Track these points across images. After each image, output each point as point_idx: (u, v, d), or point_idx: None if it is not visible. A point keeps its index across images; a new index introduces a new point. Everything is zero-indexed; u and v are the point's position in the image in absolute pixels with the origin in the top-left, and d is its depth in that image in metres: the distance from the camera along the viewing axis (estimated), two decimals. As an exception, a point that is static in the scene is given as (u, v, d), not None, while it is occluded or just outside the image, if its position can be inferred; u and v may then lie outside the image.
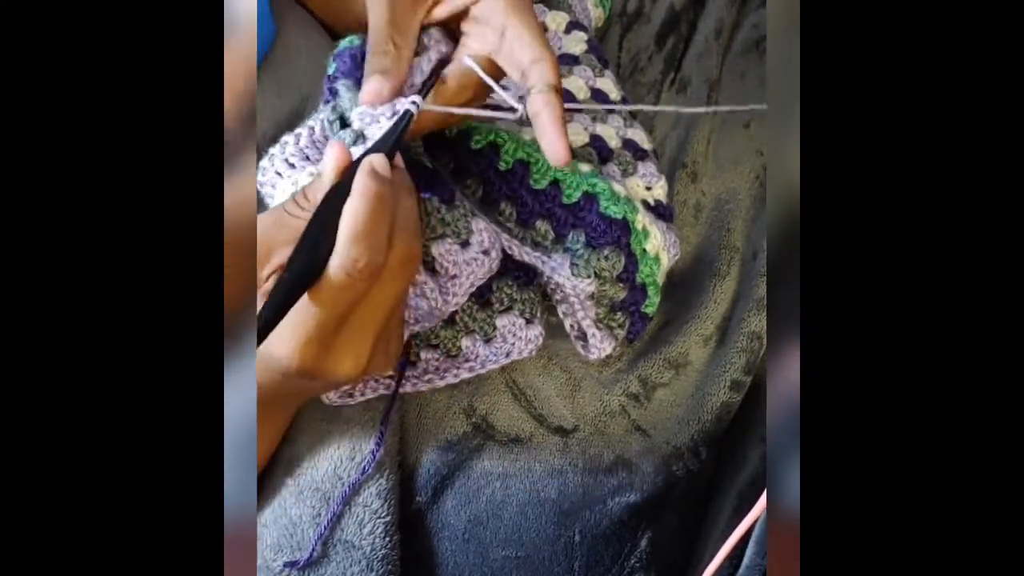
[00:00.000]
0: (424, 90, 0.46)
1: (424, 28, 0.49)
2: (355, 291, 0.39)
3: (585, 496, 0.52)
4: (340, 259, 0.38)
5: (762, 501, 0.41)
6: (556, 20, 0.65)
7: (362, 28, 0.52)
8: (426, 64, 0.48)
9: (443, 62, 0.49)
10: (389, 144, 0.43)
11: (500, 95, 0.47)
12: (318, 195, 0.40)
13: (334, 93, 0.49)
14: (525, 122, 0.48)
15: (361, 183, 0.38)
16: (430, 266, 0.47)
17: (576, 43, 0.64)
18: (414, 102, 0.45)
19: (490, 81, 0.47)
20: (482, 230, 0.47)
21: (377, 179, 0.39)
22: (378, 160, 0.40)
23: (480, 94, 0.48)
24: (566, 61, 0.62)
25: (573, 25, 0.65)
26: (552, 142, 0.45)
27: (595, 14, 0.70)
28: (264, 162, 0.49)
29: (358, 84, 0.48)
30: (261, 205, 0.50)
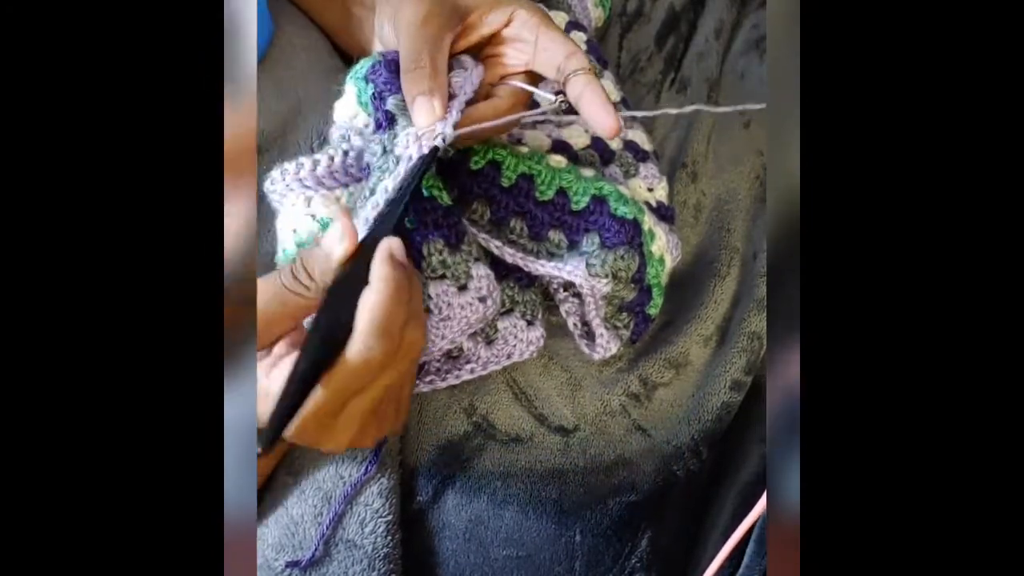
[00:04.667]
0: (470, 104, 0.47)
1: (455, 54, 0.50)
2: (366, 379, 0.38)
3: (586, 496, 0.52)
4: (359, 349, 0.37)
5: (762, 501, 0.41)
6: (555, 20, 0.65)
7: (365, 54, 0.52)
8: (470, 83, 0.48)
9: (481, 82, 0.50)
10: (414, 185, 0.43)
11: (543, 96, 0.49)
12: (321, 273, 0.39)
13: (390, 119, 0.48)
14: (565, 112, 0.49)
15: (382, 273, 0.38)
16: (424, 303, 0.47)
17: (575, 43, 0.64)
18: (441, 135, 0.45)
19: (538, 92, 0.49)
20: (482, 276, 0.47)
21: (398, 268, 0.38)
22: (396, 246, 0.39)
23: (523, 107, 0.50)
24: (565, 61, 0.62)
25: (572, 25, 0.65)
26: (600, 115, 0.46)
27: (595, 14, 0.70)
28: (275, 174, 0.49)
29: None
30: (268, 209, 0.50)
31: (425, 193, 0.46)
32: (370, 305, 0.37)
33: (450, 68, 0.49)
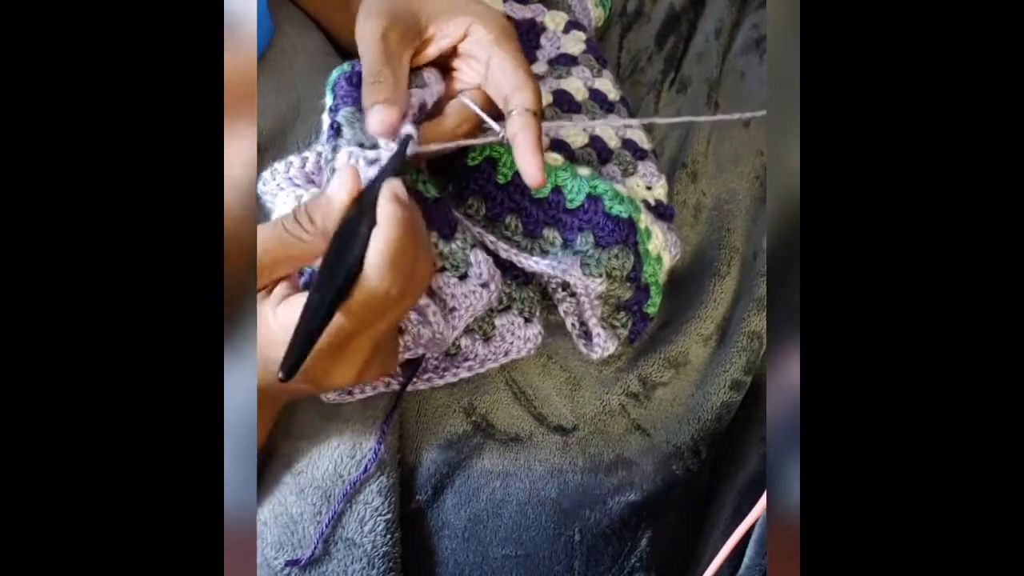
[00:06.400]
0: (422, 121, 0.47)
1: (419, 68, 0.49)
2: (380, 312, 0.40)
3: (585, 495, 0.52)
4: (374, 284, 0.39)
5: (762, 501, 0.41)
6: (555, 20, 0.65)
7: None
8: (429, 98, 0.48)
9: (441, 98, 0.49)
10: (393, 170, 0.43)
11: (491, 126, 0.48)
12: (322, 218, 0.41)
13: (336, 130, 0.48)
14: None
15: (390, 211, 0.39)
16: (432, 294, 0.47)
17: (574, 43, 0.64)
18: (412, 128, 0.45)
19: (484, 116, 0.48)
20: (480, 263, 0.47)
21: (403, 206, 0.40)
22: (399, 186, 0.41)
23: (476, 126, 0.49)
24: (564, 61, 0.62)
25: (572, 25, 0.65)
26: (527, 163, 0.46)
27: (595, 14, 0.70)
28: (266, 174, 0.49)
29: (360, 105, 0.47)
30: (261, 209, 0.50)
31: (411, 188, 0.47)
32: (384, 241, 0.39)
33: (411, 83, 0.48)
